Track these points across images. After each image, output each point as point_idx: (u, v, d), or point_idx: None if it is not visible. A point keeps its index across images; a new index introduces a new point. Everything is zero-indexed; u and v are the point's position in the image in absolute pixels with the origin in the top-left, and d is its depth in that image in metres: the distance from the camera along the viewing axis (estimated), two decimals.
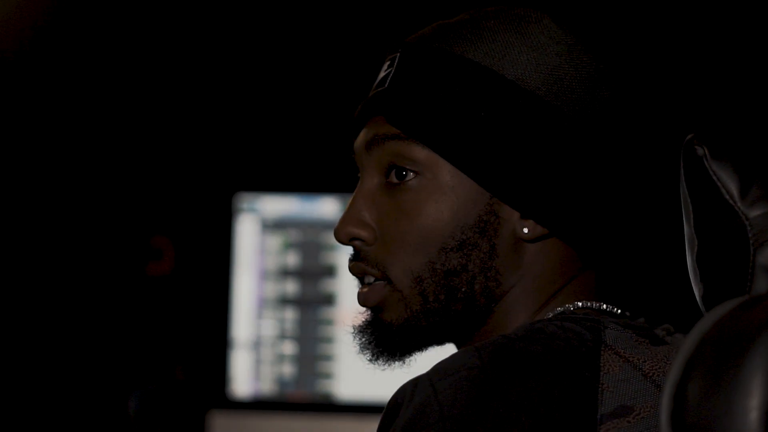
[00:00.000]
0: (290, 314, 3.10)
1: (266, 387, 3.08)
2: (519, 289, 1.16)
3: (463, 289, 1.15)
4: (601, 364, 1.06)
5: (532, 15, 1.16)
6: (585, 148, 1.14)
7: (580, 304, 1.15)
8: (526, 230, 1.15)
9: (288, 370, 3.08)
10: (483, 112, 1.13)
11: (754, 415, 0.80)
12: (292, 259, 3.10)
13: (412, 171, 1.16)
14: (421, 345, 1.18)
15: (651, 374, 1.07)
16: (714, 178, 1.01)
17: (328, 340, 3.07)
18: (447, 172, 1.15)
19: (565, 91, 1.14)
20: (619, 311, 1.15)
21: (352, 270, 1.19)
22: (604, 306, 1.15)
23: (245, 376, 3.08)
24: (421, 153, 1.15)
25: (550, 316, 1.14)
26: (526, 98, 1.14)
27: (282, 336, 3.09)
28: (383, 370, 1.19)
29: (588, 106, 1.14)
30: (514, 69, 1.14)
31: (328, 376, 3.07)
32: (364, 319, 1.19)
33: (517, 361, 1.04)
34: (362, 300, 1.19)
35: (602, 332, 1.09)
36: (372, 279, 1.18)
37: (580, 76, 1.15)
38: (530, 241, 1.15)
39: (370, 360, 1.18)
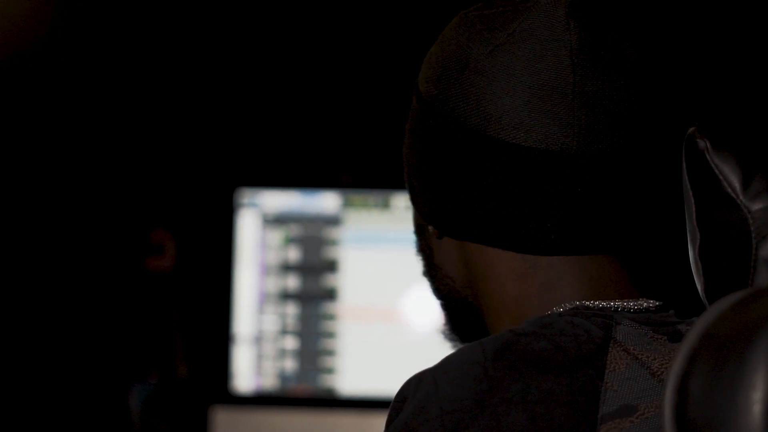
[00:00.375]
0: (292, 309, 3.10)
1: (268, 382, 3.08)
2: (483, 286, 1.17)
3: (435, 285, 1.23)
4: (608, 362, 1.04)
5: (456, 21, 1.17)
6: (468, 148, 1.12)
7: (589, 303, 1.11)
8: (431, 228, 1.20)
9: (290, 365, 3.08)
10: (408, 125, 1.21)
11: (757, 408, 0.80)
12: (294, 254, 3.10)
13: None
14: (457, 331, 1.26)
15: (659, 372, 1.05)
16: (716, 171, 1.01)
17: (330, 335, 3.07)
18: None
19: (443, 91, 1.15)
20: (643, 304, 1.12)
21: None
22: (621, 300, 1.12)
23: (247, 371, 3.08)
24: None
25: (561, 310, 1.11)
26: (427, 109, 1.16)
27: (283, 331, 3.09)
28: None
29: (479, 101, 1.11)
30: (423, 82, 1.18)
31: (329, 371, 3.07)
32: None
33: (520, 358, 1.03)
34: None
35: (613, 329, 1.07)
36: None
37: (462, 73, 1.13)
38: (440, 237, 1.20)
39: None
